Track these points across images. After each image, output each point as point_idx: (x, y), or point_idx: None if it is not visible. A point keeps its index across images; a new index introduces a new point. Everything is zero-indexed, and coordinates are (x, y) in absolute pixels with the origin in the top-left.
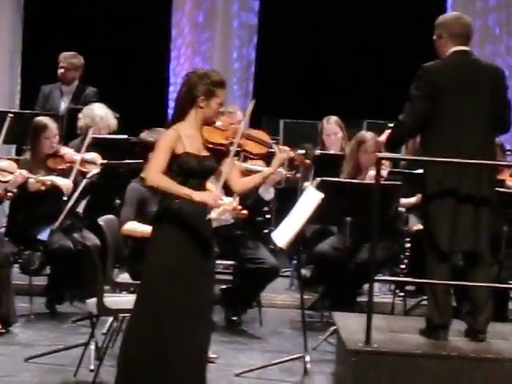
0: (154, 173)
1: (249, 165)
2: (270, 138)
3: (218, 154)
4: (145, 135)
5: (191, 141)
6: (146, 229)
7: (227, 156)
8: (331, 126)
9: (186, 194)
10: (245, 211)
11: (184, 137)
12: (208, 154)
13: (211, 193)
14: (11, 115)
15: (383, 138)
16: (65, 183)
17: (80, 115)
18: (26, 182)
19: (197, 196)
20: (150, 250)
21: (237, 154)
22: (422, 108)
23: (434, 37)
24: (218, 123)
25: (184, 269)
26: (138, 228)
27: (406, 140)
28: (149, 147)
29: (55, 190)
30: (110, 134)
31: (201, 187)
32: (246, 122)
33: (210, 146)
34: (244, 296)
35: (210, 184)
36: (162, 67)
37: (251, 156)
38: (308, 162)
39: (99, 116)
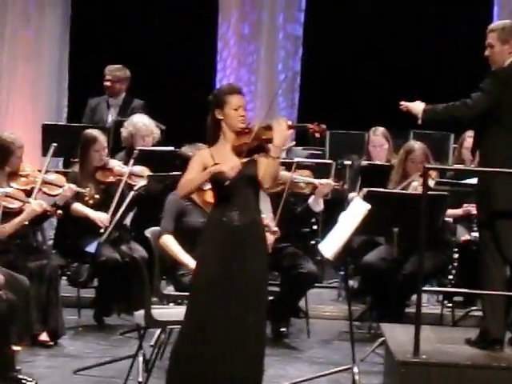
0: (183, 187)
1: (297, 175)
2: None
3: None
4: (185, 149)
5: (223, 155)
6: (178, 252)
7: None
8: (378, 137)
9: (208, 173)
10: (276, 228)
11: (216, 153)
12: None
13: (230, 162)
14: (55, 144)
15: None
16: (99, 217)
17: (122, 128)
18: (69, 207)
19: (213, 168)
20: (196, 263)
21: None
22: (495, 100)
23: (494, 41)
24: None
25: (227, 279)
26: (172, 247)
27: (460, 123)
28: (188, 161)
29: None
30: (153, 144)
31: (238, 196)
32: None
33: (237, 150)
34: (286, 303)
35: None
36: (208, 79)
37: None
38: (323, 126)
39: (142, 122)
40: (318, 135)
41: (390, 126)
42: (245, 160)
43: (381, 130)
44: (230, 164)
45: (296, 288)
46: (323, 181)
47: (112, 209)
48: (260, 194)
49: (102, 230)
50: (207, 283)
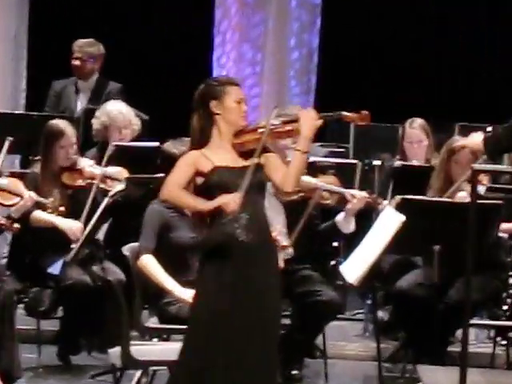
0: (168, 186)
1: (320, 181)
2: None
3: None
4: (168, 146)
5: (222, 156)
6: (160, 276)
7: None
8: (415, 131)
9: (198, 207)
10: (286, 243)
11: (211, 155)
12: (248, 164)
13: (227, 195)
14: (11, 138)
15: (477, 139)
16: (70, 226)
17: (94, 119)
18: (28, 216)
19: (209, 205)
20: (195, 290)
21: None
22: None
23: None
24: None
25: (233, 310)
26: (153, 270)
27: None
28: (173, 161)
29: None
30: (133, 138)
31: (245, 206)
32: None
33: (242, 148)
34: (299, 339)
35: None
36: (203, 57)
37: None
38: (365, 112)
39: (118, 110)
40: (360, 122)
41: (431, 117)
42: (255, 161)
43: (419, 121)
44: (230, 196)
45: (312, 320)
46: (356, 193)
47: (82, 220)
48: (267, 203)
49: (73, 245)
50: (209, 315)
